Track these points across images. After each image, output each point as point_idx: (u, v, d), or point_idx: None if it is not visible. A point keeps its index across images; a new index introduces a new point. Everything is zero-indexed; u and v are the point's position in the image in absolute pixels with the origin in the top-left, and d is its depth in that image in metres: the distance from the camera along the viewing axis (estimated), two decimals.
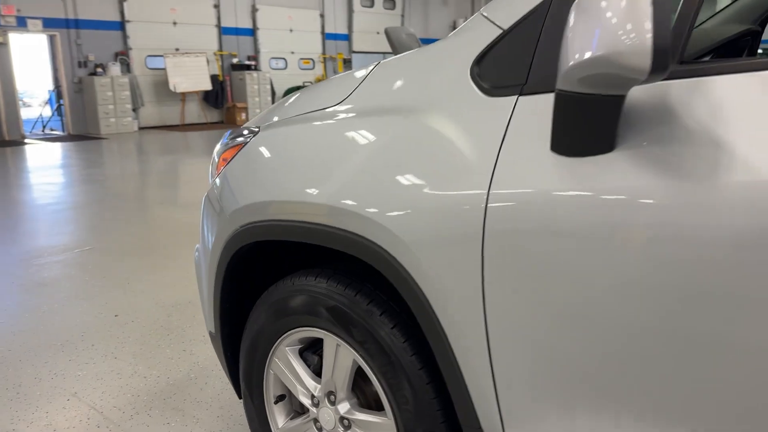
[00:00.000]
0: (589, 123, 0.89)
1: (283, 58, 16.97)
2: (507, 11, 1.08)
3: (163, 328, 2.87)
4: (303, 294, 1.40)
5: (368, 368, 1.30)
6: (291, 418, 1.59)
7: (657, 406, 0.91)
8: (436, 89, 1.16)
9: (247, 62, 15.75)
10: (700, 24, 1.64)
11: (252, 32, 16.05)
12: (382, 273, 1.17)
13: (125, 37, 13.68)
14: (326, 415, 1.43)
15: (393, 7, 19.39)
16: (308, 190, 1.28)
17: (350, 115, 1.30)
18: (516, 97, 1.04)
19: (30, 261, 4.04)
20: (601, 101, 0.86)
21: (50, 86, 14.16)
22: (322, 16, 17.58)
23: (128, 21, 13.64)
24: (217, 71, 15.25)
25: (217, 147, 1.75)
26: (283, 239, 1.37)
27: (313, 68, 17.73)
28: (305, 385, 1.46)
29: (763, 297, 0.79)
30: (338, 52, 18.23)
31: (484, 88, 1.09)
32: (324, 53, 17.88)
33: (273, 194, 1.36)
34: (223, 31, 15.37)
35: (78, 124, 13.31)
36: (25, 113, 16.92)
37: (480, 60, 1.11)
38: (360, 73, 1.37)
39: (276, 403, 1.58)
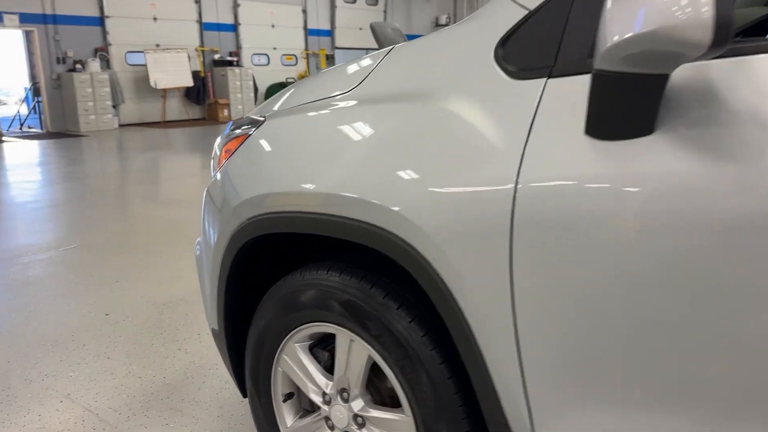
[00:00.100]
0: (630, 104, 0.86)
1: (266, 54, 16.82)
2: None
3: (155, 327, 2.80)
4: (314, 288, 1.35)
5: (384, 363, 1.26)
6: (300, 417, 1.54)
7: (695, 400, 0.88)
8: (458, 73, 1.12)
9: (228, 58, 15.59)
10: None
11: (234, 28, 15.88)
12: (403, 266, 1.13)
13: (104, 33, 13.44)
14: (339, 412, 1.38)
15: (375, 3, 19.31)
16: (322, 181, 1.23)
17: (364, 102, 1.26)
18: (544, 80, 1.00)
19: (12, 260, 3.93)
20: (644, 81, 0.83)
21: (27, 83, 13.88)
22: (304, 11, 17.45)
23: (107, 16, 13.41)
24: (198, 67, 15.07)
25: (219, 139, 1.70)
26: (295, 231, 1.32)
27: (296, 64, 17.60)
28: (316, 382, 1.42)
29: None
30: (321, 48, 18.12)
31: (509, 71, 1.05)
32: (307, 49, 17.76)
33: (284, 185, 1.31)
34: (204, 27, 15.19)
35: (57, 121, 13.06)
36: (2, 111, 16.60)
37: (504, 42, 1.07)
38: (373, 59, 1.33)
39: (284, 401, 1.53)
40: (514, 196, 0.97)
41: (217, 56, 15.48)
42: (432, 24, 20.45)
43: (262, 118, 1.50)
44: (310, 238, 1.67)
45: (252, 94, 15.61)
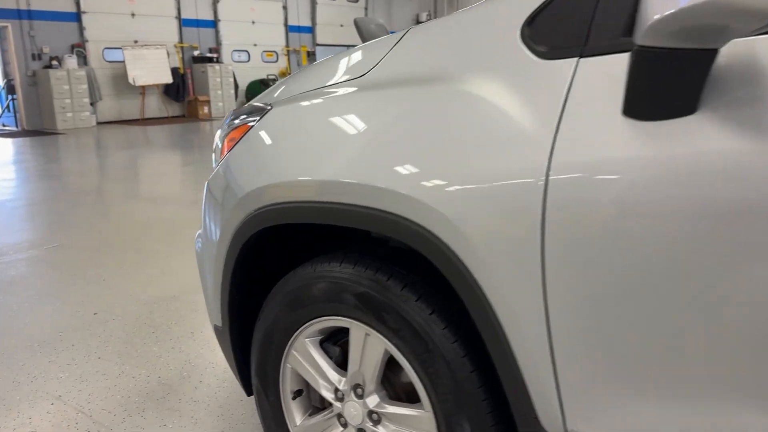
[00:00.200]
0: (673, 82, 0.82)
1: (246, 51, 16.65)
2: None
3: (147, 326, 2.73)
4: (326, 281, 1.30)
5: (403, 357, 1.21)
6: (309, 415, 1.49)
7: (736, 391, 0.85)
8: (482, 55, 1.08)
9: (208, 55, 15.40)
10: None
11: (213, 24, 15.69)
12: (426, 256, 1.08)
13: (81, 29, 13.18)
14: (353, 409, 1.34)
15: (356, 0, 19.22)
16: (338, 169, 1.18)
17: (381, 86, 1.21)
18: (576, 59, 0.96)
19: None
20: (691, 56, 0.79)
21: (1, 80, 13.56)
22: (285, 8, 17.30)
23: (84, 12, 13.15)
24: (177, 64, 14.86)
25: (219, 132, 1.64)
26: (308, 222, 1.27)
27: (277, 61, 17.45)
28: (328, 378, 1.37)
29: None
30: (302, 44, 17.98)
31: (537, 52, 1.01)
32: (287, 46, 17.61)
33: (296, 174, 1.26)
34: (183, 23, 14.98)
35: (32, 119, 12.78)
36: None
37: (531, 21, 1.03)
38: (388, 41, 1.28)
39: (293, 399, 1.48)
40: (546, 181, 0.93)
41: (196, 53, 15.29)
42: (413, 21, 20.42)
43: (267, 106, 1.45)
44: (314, 231, 1.63)
45: (232, 91, 15.44)
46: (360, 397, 1.32)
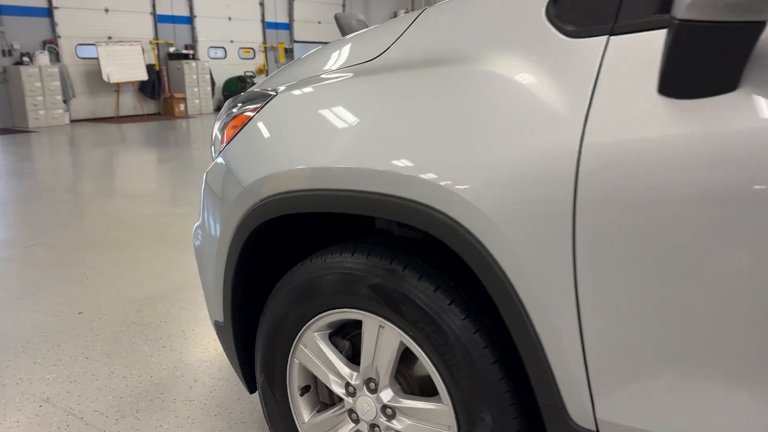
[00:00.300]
0: (715, 57, 0.80)
1: (223, 47, 16.44)
2: None
3: (135, 325, 2.65)
4: (337, 272, 1.26)
5: (420, 350, 1.17)
6: (318, 411, 1.45)
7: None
8: (505, 34, 1.05)
9: (184, 51, 15.16)
10: None
11: (189, 20, 15.45)
12: (449, 244, 1.04)
13: (53, 25, 12.86)
14: (365, 404, 1.30)
15: None
16: (354, 155, 1.14)
17: (397, 67, 1.17)
18: (605, 38, 0.93)
19: None
20: (737, 30, 0.77)
21: None
22: (261, 4, 17.12)
23: (56, 7, 12.84)
24: (153, 61, 14.62)
25: (217, 123, 1.58)
26: (320, 210, 1.22)
27: (254, 58, 17.27)
28: (339, 373, 1.33)
29: None
30: (279, 41, 17.83)
31: (564, 30, 0.98)
32: (265, 42, 17.44)
33: (307, 161, 1.21)
34: (158, 19, 14.72)
35: (3, 117, 12.45)
36: None
37: None
38: (400, 23, 1.24)
39: (301, 395, 1.43)
40: (578, 164, 0.90)
41: (172, 49, 15.05)
42: (390, 18, 20.37)
43: (272, 92, 1.40)
44: (314, 223, 1.58)
45: (209, 88, 15.23)
46: (373, 391, 1.28)
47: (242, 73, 16.32)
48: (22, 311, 2.84)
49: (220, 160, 1.48)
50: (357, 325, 1.38)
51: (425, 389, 1.30)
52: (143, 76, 14.04)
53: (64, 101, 12.84)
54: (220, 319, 1.54)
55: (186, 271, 3.35)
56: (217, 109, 15.99)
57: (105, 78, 13.28)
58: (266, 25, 17.35)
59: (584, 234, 0.90)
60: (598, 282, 0.91)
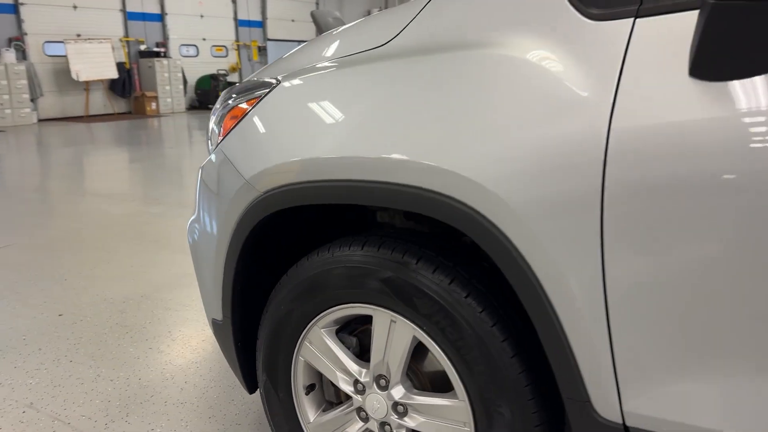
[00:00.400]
0: (751, 37, 0.78)
1: (195, 45, 16.21)
2: None
3: (119, 326, 2.57)
4: (345, 266, 1.22)
5: (434, 344, 1.14)
6: (323, 410, 1.41)
7: None
8: (525, 16, 1.02)
9: (155, 49, 14.91)
10: None
11: (160, 17, 15.20)
12: (470, 235, 1.01)
13: (19, 21, 12.51)
14: (375, 402, 1.26)
15: None
16: (367, 144, 1.10)
17: (409, 53, 1.13)
18: (632, 20, 0.91)
19: None
20: None
21: None
22: (234, 2, 16.92)
23: (22, 4, 12.50)
24: (123, 58, 14.33)
25: (213, 117, 1.52)
26: (332, 202, 1.18)
27: (227, 56, 17.06)
28: (348, 370, 1.29)
29: None
30: (252, 39, 17.64)
31: (586, 13, 0.95)
32: (237, 40, 17.25)
33: (317, 151, 1.17)
34: (128, 16, 14.44)
35: None
36: None
37: None
38: (410, 8, 1.20)
39: (307, 394, 1.39)
40: (606, 151, 0.88)
41: (143, 47, 14.78)
42: (364, 16, 20.33)
43: (274, 80, 1.35)
44: (311, 217, 1.53)
45: (181, 87, 15.00)
46: (384, 388, 1.24)
47: (215, 71, 16.11)
48: (0, 314, 2.73)
49: (218, 153, 1.43)
50: (363, 320, 1.34)
51: (436, 385, 1.26)
52: (113, 74, 13.76)
53: (32, 100, 12.52)
54: (219, 317, 1.49)
55: (166, 271, 3.27)
56: (190, 107, 15.77)
57: (74, 76, 12.99)
58: (239, 23, 17.16)
59: (612, 222, 0.88)
60: (628, 271, 0.89)
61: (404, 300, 1.15)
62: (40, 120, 12.89)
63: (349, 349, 1.32)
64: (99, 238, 3.96)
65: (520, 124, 0.95)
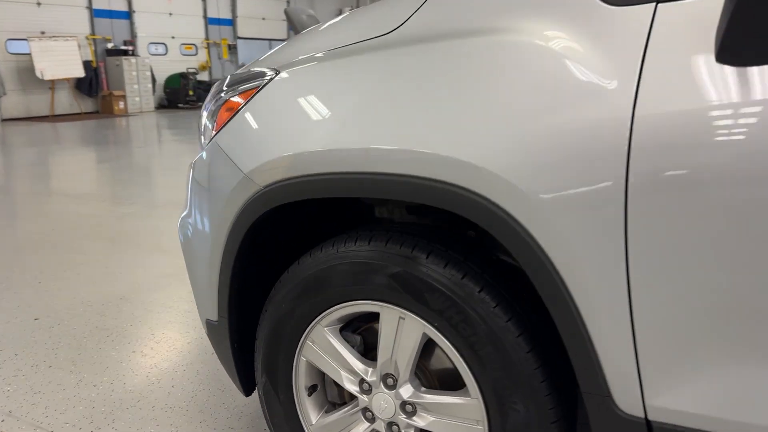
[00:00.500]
0: None
1: (163, 44, 15.93)
2: None
3: (99, 330, 2.48)
4: (350, 263, 1.18)
5: (446, 341, 1.11)
6: (326, 411, 1.36)
7: None
8: (542, 3, 0.99)
9: (123, 47, 14.61)
10: None
11: (128, 15, 14.89)
12: (486, 228, 0.98)
13: None
14: (383, 401, 1.22)
15: None
16: (376, 134, 1.06)
17: (417, 41, 1.09)
18: (653, 5, 0.89)
19: None
20: None
21: None
22: None
23: None
24: (90, 57, 14.01)
25: (205, 112, 1.46)
26: (337, 196, 1.14)
27: (196, 54, 16.81)
28: (353, 369, 1.25)
29: None
30: (222, 37, 17.41)
31: None
32: (207, 38, 17.00)
33: (321, 143, 1.12)
34: (95, 14, 14.12)
35: None
36: None
37: None
38: None
39: (309, 395, 1.34)
40: (630, 140, 0.85)
41: (110, 45, 14.47)
42: (335, 16, 20.24)
43: (272, 71, 1.30)
44: (308, 213, 1.49)
45: (150, 85, 14.73)
46: (391, 387, 1.21)
47: (185, 70, 15.86)
48: None
49: (212, 147, 1.38)
50: (367, 318, 1.30)
51: (445, 383, 1.23)
52: (79, 72, 13.45)
53: None
54: (213, 317, 1.43)
55: (144, 272, 3.18)
56: (159, 106, 15.49)
57: (38, 75, 12.65)
58: (209, 21, 16.93)
59: (637, 213, 0.86)
60: (650, 258, 0.87)
61: (414, 296, 1.11)
62: (3, 120, 12.52)
63: (353, 347, 1.28)
64: (71, 240, 3.84)
65: (538, 113, 0.93)
